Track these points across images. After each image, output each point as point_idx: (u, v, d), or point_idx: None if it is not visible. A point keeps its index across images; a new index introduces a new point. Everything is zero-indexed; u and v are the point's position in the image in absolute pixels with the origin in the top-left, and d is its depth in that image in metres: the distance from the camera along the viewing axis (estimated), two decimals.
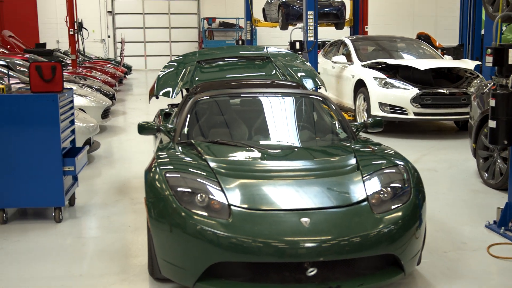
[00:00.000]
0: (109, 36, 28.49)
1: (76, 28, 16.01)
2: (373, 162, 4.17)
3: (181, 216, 3.57)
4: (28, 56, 14.70)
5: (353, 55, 11.27)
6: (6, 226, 5.25)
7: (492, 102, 4.95)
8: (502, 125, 4.91)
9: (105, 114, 10.35)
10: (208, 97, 5.23)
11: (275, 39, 25.75)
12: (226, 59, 6.93)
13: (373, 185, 3.86)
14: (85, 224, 5.43)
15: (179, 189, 3.72)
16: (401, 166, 4.10)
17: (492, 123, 4.97)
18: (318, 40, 18.47)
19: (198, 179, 3.82)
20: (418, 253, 3.83)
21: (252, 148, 4.42)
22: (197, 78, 6.36)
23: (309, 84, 6.48)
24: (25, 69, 11.40)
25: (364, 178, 3.91)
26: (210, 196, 3.66)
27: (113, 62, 20.89)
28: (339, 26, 17.21)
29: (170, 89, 6.27)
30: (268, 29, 22.49)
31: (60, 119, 5.27)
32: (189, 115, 4.96)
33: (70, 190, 5.63)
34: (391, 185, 3.88)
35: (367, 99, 10.12)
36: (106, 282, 4.06)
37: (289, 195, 3.73)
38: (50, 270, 4.28)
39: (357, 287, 3.50)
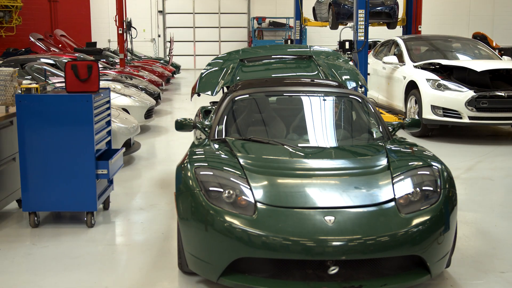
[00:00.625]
0: (159, 36, 28.65)
1: (125, 27, 16.05)
2: (405, 163, 4.11)
3: (207, 212, 3.62)
4: (77, 55, 14.82)
5: (405, 55, 10.80)
6: (38, 229, 5.10)
7: None
8: None
9: (149, 114, 10.22)
10: (244, 95, 5.26)
11: (325, 39, 25.34)
12: (269, 58, 6.87)
13: (402, 185, 3.82)
14: (117, 230, 5.22)
15: (207, 185, 3.78)
16: (434, 167, 4.01)
17: None
18: (370, 40, 18.07)
19: (226, 176, 3.87)
20: (446, 256, 3.74)
21: (284, 146, 4.44)
22: (238, 78, 6.34)
23: (350, 83, 6.35)
24: None
25: (393, 178, 3.87)
26: (238, 193, 3.71)
27: (162, 61, 20.90)
28: (391, 26, 16.65)
29: (212, 87, 6.26)
30: (318, 29, 22.11)
31: (95, 120, 5.08)
32: (225, 113, 5.01)
33: (104, 193, 5.45)
34: (421, 186, 3.83)
35: (418, 101, 9.64)
36: None
37: (315, 194, 3.74)
38: (75, 280, 4.07)
39: (380, 287, 3.44)
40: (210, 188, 3.75)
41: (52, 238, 4.90)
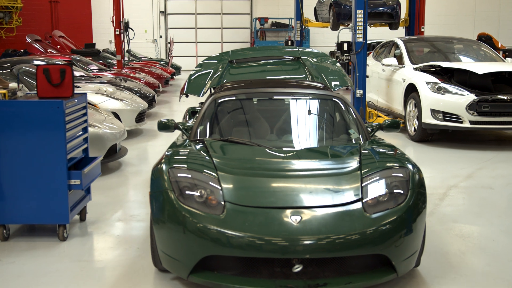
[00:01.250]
0: (161, 36, 28.40)
1: (122, 28, 15.77)
2: (375, 163, 4.17)
3: (178, 211, 3.68)
4: (72, 56, 14.55)
5: (405, 57, 10.47)
6: (7, 243, 4.81)
7: None
8: None
9: (140, 117, 9.93)
10: (226, 96, 5.31)
11: (328, 40, 25.00)
12: (257, 60, 6.89)
13: (371, 185, 3.85)
14: (90, 244, 4.92)
15: (180, 185, 3.84)
16: (405, 169, 4.05)
17: None
18: (372, 41, 17.75)
19: (199, 177, 3.93)
20: (414, 255, 3.79)
21: (259, 147, 4.53)
22: (225, 80, 6.30)
23: (336, 84, 6.28)
24: None
25: (363, 179, 3.91)
26: (208, 193, 3.78)
27: (161, 62, 20.62)
28: (393, 26, 16.29)
29: (199, 89, 6.31)
30: (321, 29, 21.78)
31: (68, 127, 4.80)
32: (206, 114, 5.10)
33: (79, 204, 5.16)
34: (390, 186, 3.86)
35: (418, 105, 9.32)
36: None
37: (284, 194, 3.81)
38: None
39: (344, 285, 3.51)
40: (183, 188, 3.82)
41: (20, 253, 4.61)
